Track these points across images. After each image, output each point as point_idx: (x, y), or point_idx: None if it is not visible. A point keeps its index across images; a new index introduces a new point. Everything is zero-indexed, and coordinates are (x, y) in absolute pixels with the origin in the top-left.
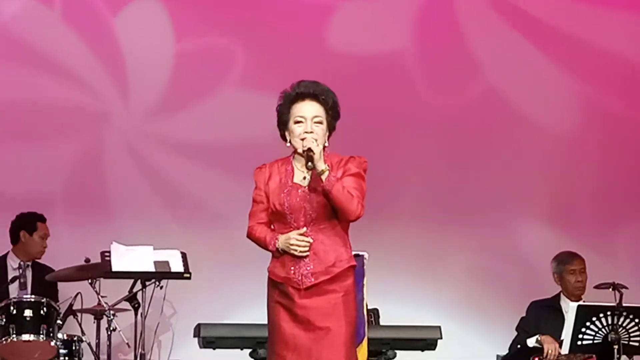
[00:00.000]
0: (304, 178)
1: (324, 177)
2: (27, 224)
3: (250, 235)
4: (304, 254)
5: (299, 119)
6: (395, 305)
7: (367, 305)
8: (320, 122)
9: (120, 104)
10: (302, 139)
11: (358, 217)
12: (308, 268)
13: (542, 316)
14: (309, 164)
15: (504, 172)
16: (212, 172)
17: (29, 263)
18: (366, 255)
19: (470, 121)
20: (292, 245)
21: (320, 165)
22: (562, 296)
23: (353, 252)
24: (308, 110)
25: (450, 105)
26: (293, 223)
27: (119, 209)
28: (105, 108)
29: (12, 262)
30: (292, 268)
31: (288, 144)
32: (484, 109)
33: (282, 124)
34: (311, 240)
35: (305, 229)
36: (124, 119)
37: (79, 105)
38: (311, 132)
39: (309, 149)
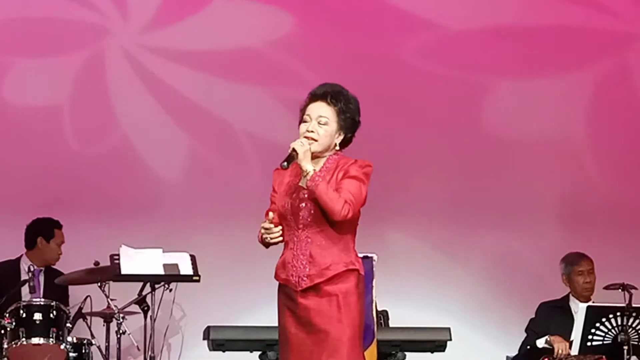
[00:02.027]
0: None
1: (308, 177)
2: (45, 231)
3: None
4: (275, 241)
5: (305, 117)
6: (405, 307)
7: (376, 307)
8: (326, 123)
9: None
10: (304, 137)
11: (344, 218)
12: (305, 270)
13: (551, 317)
14: (284, 163)
15: (514, 172)
16: (215, 80)
17: (42, 268)
18: (375, 257)
19: (480, 121)
20: (262, 234)
21: (306, 166)
22: (571, 297)
23: (362, 254)
24: (315, 110)
25: (459, 103)
26: (293, 224)
27: (128, 202)
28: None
29: (24, 266)
30: (291, 269)
31: None
32: (494, 109)
33: (299, 125)
34: (271, 226)
35: (272, 215)
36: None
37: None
38: (312, 132)
39: (293, 149)
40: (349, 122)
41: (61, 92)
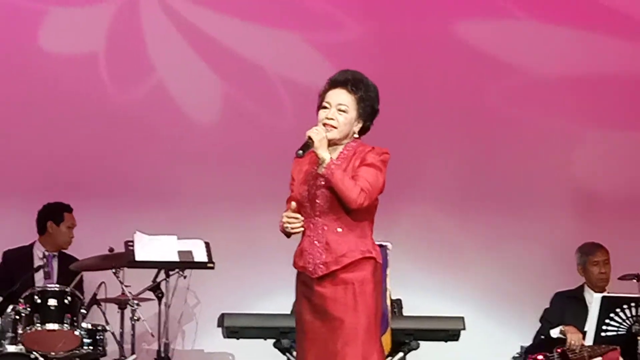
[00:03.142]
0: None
1: (324, 165)
2: (54, 215)
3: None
4: (297, 231)
5: (325, 104)
6: (419, 296)
7: (390, 296)
8: (345, 111)
9: None
10: (324, 125)
11: (359, 207)
12: (321, 257)
13: (565, 307)
14: (299, 151)
15: (528, 160)
16: (250, 25)
17: (55, 253)
18: (389, 245)
19: (494, 108)
20: (284, 223)
21: (322, 153)
22: (585, 287)
23: (377, 243)
24: (334, 97)
25: (468, 92)
26: (310, 212)
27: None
28: None
29: (38, 252)
30: (307, 257)
31: None
32: (508, 96)
33: (318, 110)
34: (299, 217)
35: (293, 204)
36: None
37: None
38: (331, 119)
39: (309, 137)
40: (369, 110)
41: (97, 39)
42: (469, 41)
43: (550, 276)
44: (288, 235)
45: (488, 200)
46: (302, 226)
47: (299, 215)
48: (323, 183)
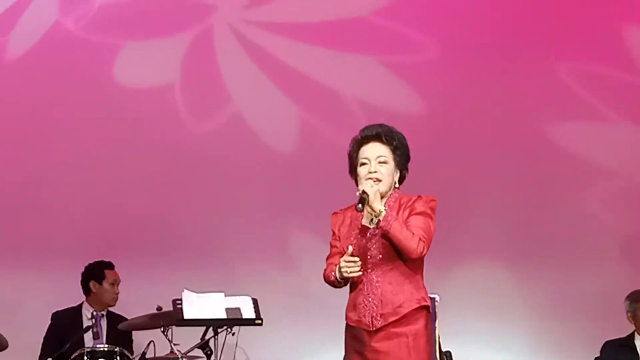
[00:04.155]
0: (371, 220)
1: (381, 218)
2: (96, 274)
3: (324, 278)
4: (355, 275)
5: (364, 160)
6: (468, 347)
7: (440, 347)
8: (385, 162)
9: None
10: (368, 179)
11: (420, 256)
12: (377, 309)
13: (616, 356)
14: (359, 206)
15: (576, 206)
16: (322, 50)
17: (103, 313)
18: (437, 297)
19: (543, 157)
20: (342, 268)
21: (377, 206)
22: (636, 335)
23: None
24: (372, 151)
25: (514, 139)
26: (361, 265)
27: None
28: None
29: (87, 312)
30: (362, 310)
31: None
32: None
33: (352, 169)
34: (357, 260)
35: (351, 248)
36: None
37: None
38: (375, 172)
39: (363, 191)
40: (404, 158)
41: (171, 71)
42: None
43: (599, 324)
44: (338, 284)
45: (536, 248)
46: (360, 270)
47: (357, 259)
48: (376, 235)
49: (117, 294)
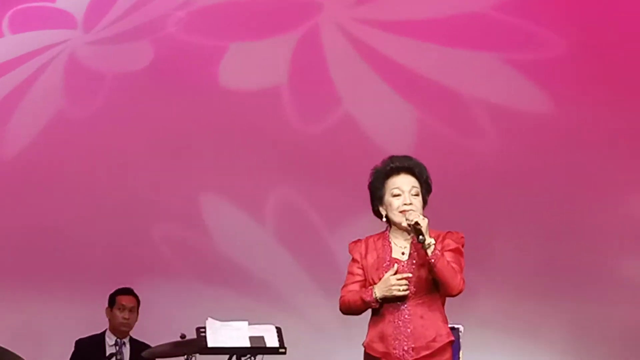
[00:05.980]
0: (403, 253)
1: (429, 251)
2: (110, 300)
3: (342, 305)
4: (406, 292)
5: (396, 191)
6: None
7: None
8: (418, 194)
9: None
10: (401, 212)
11: (460, 292)
12: (409, 342)
13: None
14: (420, 237)
15: (605, 236)
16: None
17: (125, 340)
18: (461, 328)
19: (564, 185)
20: (393, 286)
21: (428, 239)
22: None
23: (449, 325)
24: (405, 183)
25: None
26: (392, 297)
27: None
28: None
29: (109, 340)
30: (392, 342)
31: (384, 219)
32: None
33: (377, 199)
34: (410, 275)
35: (396, 266)
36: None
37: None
38: (410, 204)
39: (416, 222)
40: (429, 189)
41: (279, 73)
42: None
43: (627, 356)
44: (364, 308)
45: (560, 280)
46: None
47: (410, 274)
48: (406, 268)
49: (127, 319)
